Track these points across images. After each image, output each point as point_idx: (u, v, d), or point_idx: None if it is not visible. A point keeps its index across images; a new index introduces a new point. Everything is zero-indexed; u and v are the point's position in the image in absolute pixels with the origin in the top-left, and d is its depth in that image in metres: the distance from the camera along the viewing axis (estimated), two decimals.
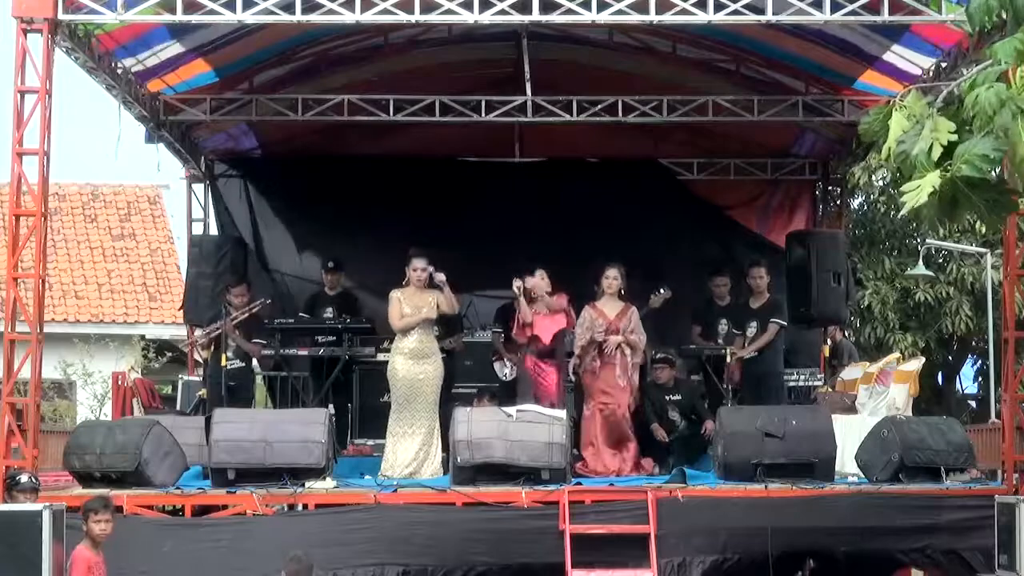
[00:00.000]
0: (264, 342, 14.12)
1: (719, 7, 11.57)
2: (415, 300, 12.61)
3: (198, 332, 14.83)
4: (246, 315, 14.10)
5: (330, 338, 14.02)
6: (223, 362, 13.75)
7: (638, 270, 13.79)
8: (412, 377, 12.51)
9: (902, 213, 8.29)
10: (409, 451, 12.38)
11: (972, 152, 6.55)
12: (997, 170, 6.93)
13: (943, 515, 11.26)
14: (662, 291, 13.64)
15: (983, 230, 24.49)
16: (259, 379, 15.55)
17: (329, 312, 14.63)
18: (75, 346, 25.13)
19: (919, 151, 6.69)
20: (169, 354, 26.40)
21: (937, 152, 6.64)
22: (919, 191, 6.61)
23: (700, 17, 11.72)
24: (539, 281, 13.06)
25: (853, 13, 11.60)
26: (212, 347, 14.33)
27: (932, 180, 6.60)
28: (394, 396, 12.67)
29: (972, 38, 11.69)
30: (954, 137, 6.66)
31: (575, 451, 12.62)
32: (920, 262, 25.06)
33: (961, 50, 12.41)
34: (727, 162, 17.78)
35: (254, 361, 14.69)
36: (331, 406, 13.22)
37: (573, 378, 13.61)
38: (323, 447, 11.53)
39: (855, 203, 26.81)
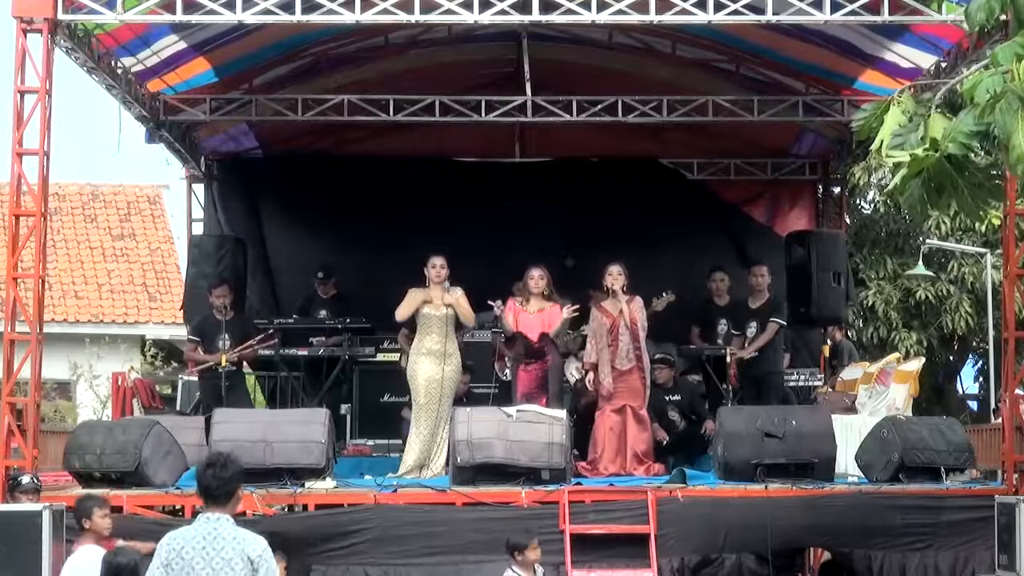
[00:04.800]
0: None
1: (719, 7, 11.57)
2: (433, 296, 12.59)
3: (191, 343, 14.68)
4: (254, 350, 13.98)
5: (320, 338, 14.03)
6: (223, 362, 13.72)
7: (640, 270, 13.77)
8: (431, 377, 12.47)
9: (889, 187, 8.29)
10: (428, 451, 12.39)
11: (958, 130, 6.55)
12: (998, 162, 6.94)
13: (943, 515, 11.25)
14: (665, 295, 13.61)
15: (982, 228, 24.51)
16: (251, 379, 15.44)
17: (323, 314, 14.63)
18: (86, 347, 25.14)
19: (911, 140, 6.70)
20: (175, 363, 26.38)
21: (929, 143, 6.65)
22: (902, 158, 6.60)
23: (700, 17, 11.72)
24: (542, 281, 12.99)
25: (853, 13, 11.60)
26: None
27: (919, 151, 6.59)
28: (415, 397, 12.60)
29: (972, 37, 11.70)
30: None
31: (575, 451, 12.60)
32: (920, 262, 25.08)
33: (961, 50, 12.41)
34: (727, 162, 17.78)
35: (244, 363, 14.56)
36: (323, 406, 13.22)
37: (571, 379, 13.58)
38: (323, 447, 11.52)
39: (856, 203, 26.84)
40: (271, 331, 14.16)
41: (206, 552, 6.68)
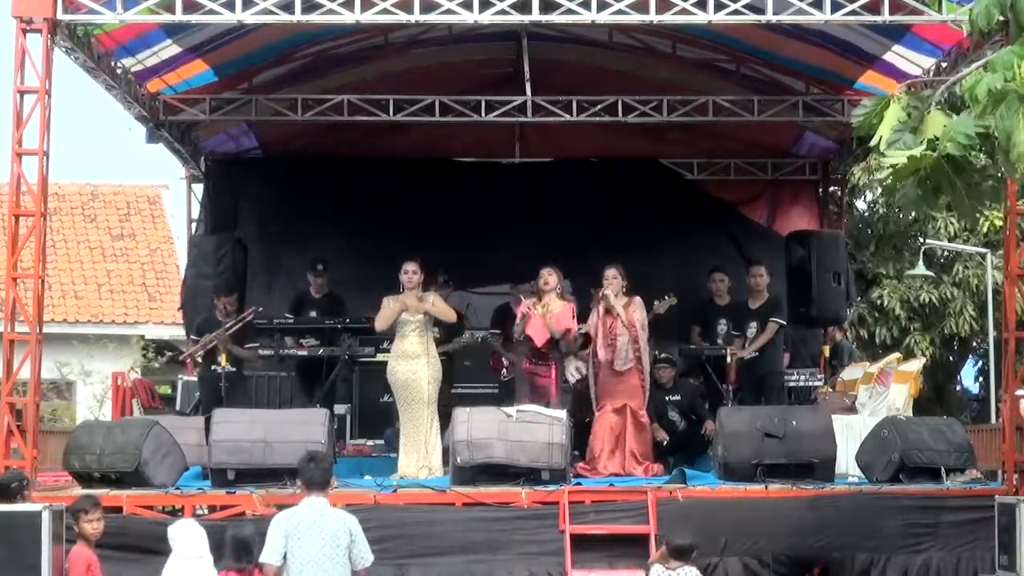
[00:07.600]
0: (257, 344, 14.07)
1: (719, 7, 11.57)
2: (408, 303, 12.61)
3: (193, 343, 14.67)
4: (239, 325, 13.94)
5: (311, 339, 13.99)
6: (223, 363, 13.69)
7: (640, 270, 13.75)
8: (405, 379, 12.52)
9: (882, 175, 8.28)
10: (418, 452, 12.38)
11: (958, 130, 6.55)
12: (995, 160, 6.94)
13: (943, 515, 11.24)
14: (667, 298, 13.58)
15: (984, 228, 24.50)
16: None
17: (314, 314, 14.58)
18: (73, 347, 25.07)
19: (909, 136, 6.70)
20: (169, 354, 26.34)
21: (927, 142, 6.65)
22: (900, 157, 6.60)
23: (700, 17, 11.73)
24: (551, 278, 12.95)
25: (853, 13, 11.60)
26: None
27: (916, 152, 6.59)
28: (396, 399, 12.69)
29: (972, 38, 11.69)
30: None
31: (575, 451, 12.59)
32: (920, 262, 25.07)
33: (961, 50, 12.41)
34: (727, 162, 17.80)
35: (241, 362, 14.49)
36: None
37: (571, 379, 13.55)
38: (323, 447, 11.51)
39: (859, 203, 26.85)
40: (257, 308, 14.16)
41: (316, 526, 8.57)
